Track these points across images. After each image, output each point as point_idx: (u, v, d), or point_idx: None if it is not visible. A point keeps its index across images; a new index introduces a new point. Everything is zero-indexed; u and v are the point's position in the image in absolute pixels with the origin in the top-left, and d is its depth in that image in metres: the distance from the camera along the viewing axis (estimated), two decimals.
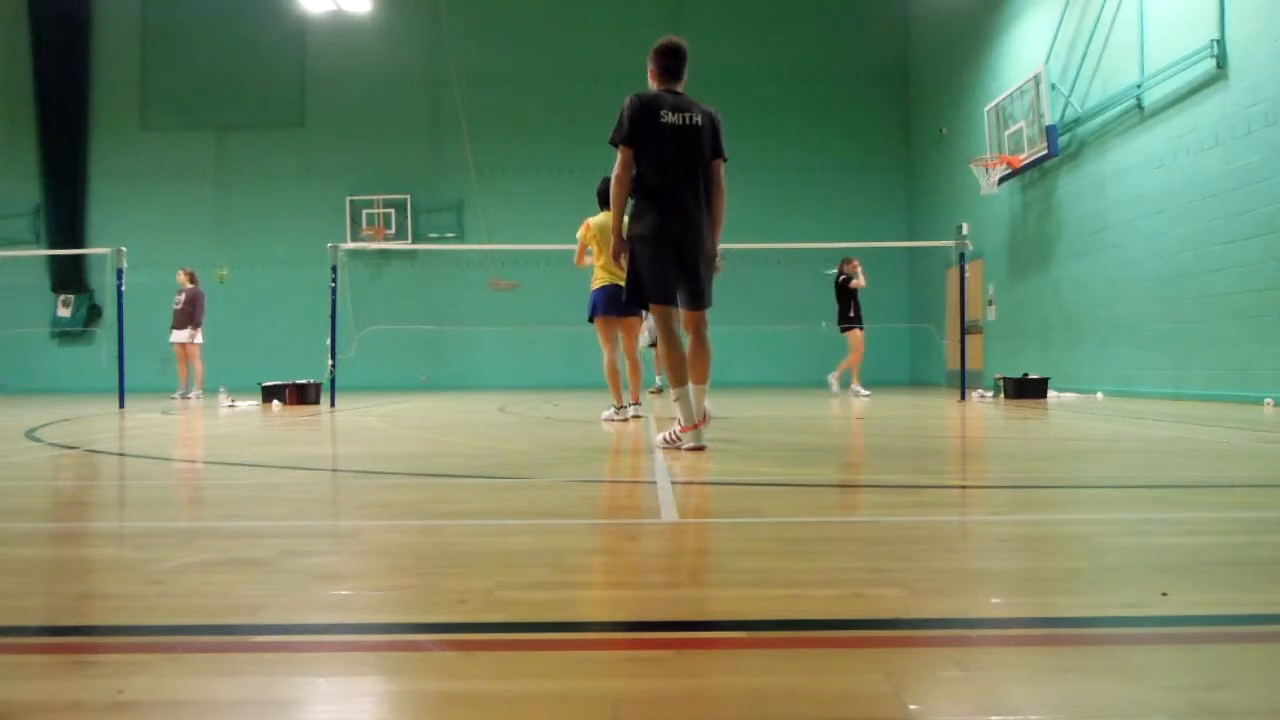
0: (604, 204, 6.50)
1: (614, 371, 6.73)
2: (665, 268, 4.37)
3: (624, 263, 4.61)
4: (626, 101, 4.41)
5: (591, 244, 6.72)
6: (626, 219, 4.58)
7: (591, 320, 6.73)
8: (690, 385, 4.41)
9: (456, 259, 18.10)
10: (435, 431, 6.15)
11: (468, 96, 17.24)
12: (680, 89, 4.55)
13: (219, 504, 3.07)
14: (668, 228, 4.35)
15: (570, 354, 16.72)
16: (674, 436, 4.43)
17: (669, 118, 4.37)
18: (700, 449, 4.29)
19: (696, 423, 4.35)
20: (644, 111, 4.36)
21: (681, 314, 4.54)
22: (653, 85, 4.58)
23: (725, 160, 4.61)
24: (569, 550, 2.17)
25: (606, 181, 5.52)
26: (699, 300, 4.48)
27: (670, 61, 4.53)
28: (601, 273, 6.64)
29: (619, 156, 4.42)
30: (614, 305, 6.52)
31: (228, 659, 1.34)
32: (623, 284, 4.98)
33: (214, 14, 18.42)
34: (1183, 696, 1.13)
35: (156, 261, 15.78)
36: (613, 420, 6.59)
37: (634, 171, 4.42)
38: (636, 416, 6.78)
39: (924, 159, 17.81)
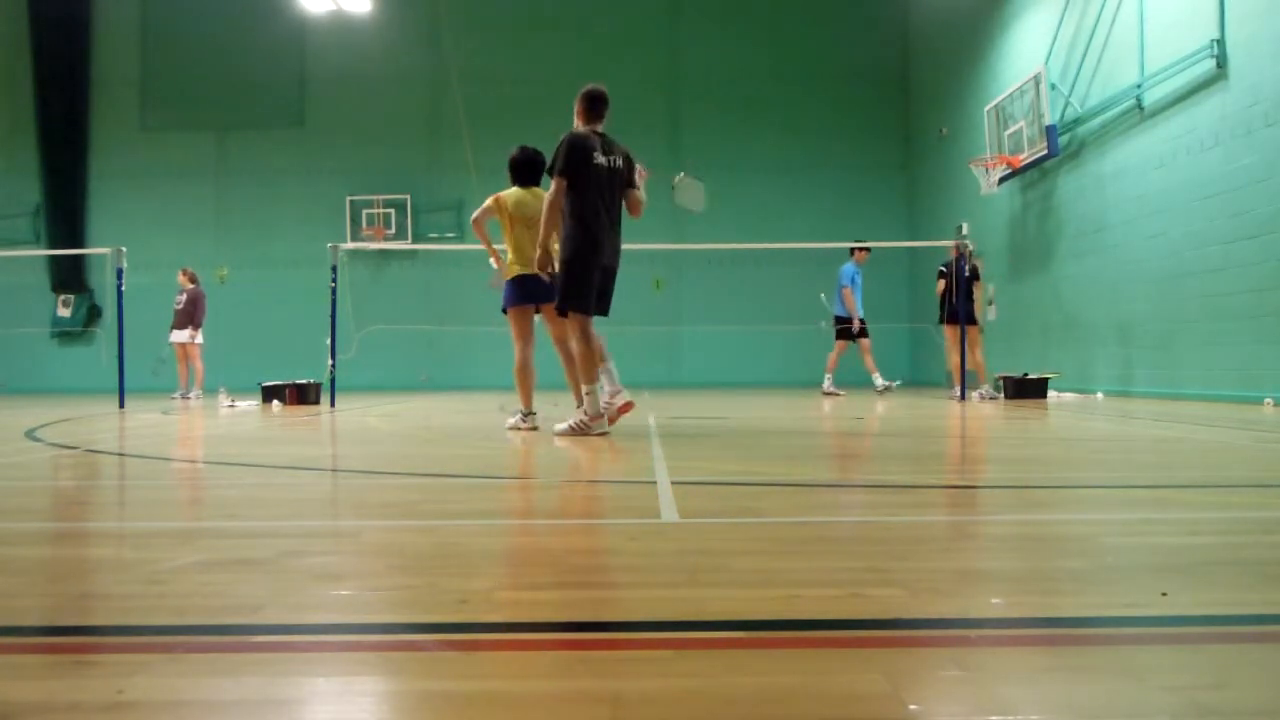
0: (516, 178, 5.93)
1: (526, 371, 5.94)
2: (593, 283, 5.26)
3: (550, 269, 5.39)
4: (565, 140, 5.20)
5: (503, 222, 5.89)
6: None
7: (505, 311, 5.91)
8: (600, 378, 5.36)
9: (456, 259, 18.08)
10: (435, 431, 6.14)
11: (468, 96, 17.22)
12: (602, 129, 5.35)
13: (219, 504, 3.07)
14: (598, 253, 5.23)
15: None
16: (581, 425, 5.24)
17: (600, 159, 5.21)
18: (606, 433, 5.23)
19: (604, 414, 5.31)
20: (580, 151, 5.16)
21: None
22: (578, 123, 5.33)
23: (636, 188, 5.49)
24: (569, 550, 2.17)
25: (524, 150, 6.01)
26: (607, 309, 5.47)
27: (600, 106, 5.35)
28: (514, 264, 5.84)
29: (554, 185, 5.17)
30: (531, 295, 5.82)
31: (228, 659, 1.34)
32: (536, 273, 5.59)
33: (214, 14, 18.41)
34: (1183, 696, 1.13)
35: (156, 261, 15.75)
36: (519, 428, 5.79)
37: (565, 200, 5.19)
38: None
39: (924, 159, 17.80)
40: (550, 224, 5.22)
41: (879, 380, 11.65)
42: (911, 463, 4.24)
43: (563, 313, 5.33)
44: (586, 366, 5.32)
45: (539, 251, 5.38)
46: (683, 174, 6.31)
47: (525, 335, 5.94)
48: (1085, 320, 11.61)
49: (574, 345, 5.41)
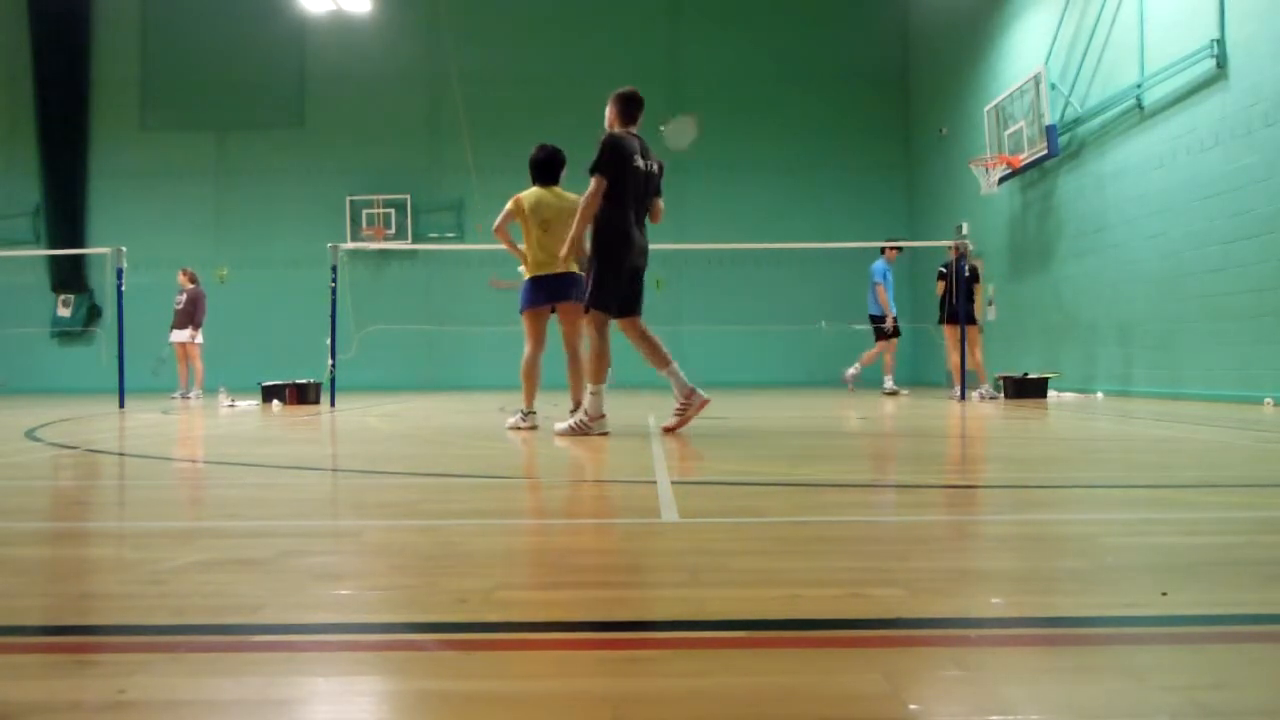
0: (537, 177, 5.93)
1: (534, 371, 5.99)
2: (622, 284, 5.29)
3: (569, 262, 5.55)
4: (608, 140, 5.21)
5: (522, 223, 5.89)
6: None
7: (522, 312, 5.94)
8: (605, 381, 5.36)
9: (456, 259, 18.09)
10: (435, 431, 6.15)
11: (468, 96, 17.23)
12: (636, 131, 5.38)
13: (219, 504, 3.07)
14: (630, 253, 5.27)
15: None
16: (582, 425, 5.24)
17: (639, 162, 5.23)
18: (606, 433, 5.25)
19: (605, 415, 5.33)
20: (623, 153, 5.19)
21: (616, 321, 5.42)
22: (613, 126, 5.36)
23: (660, 195, 5.55)
24: (569, 550, 2.17)
25: (544, 149, 6.00)
26: (639, 308, 5.45)
27: (634, 109, 5.39)
28: (531, 265, 5.86)
29: (594, 183, 5.15)
30: (548, 296, 5.86)
31: (228, 659, 1.34)
32: (552, 273, 5.74)
33: (214, 14, 18.41)
34: (1183, 696, 1.13)
35: (156, 261, 15.76)
36: (519, 428, 5.79)
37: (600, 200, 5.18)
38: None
39: (924, 159, 17.80)
40: (584, 222, 5.25)
41: (889, 382, 11.67)
42: (912, 462, 4.24)
43: (587, 309, 5.33)
44: (596, 366, 5.34)
45: (566, 248, 5.40)
46: (667, 126, 5.97)
47: (538, 337, 5.98)
48: (1085, 320, 11.61)
49: (588, 342, 5.41)
